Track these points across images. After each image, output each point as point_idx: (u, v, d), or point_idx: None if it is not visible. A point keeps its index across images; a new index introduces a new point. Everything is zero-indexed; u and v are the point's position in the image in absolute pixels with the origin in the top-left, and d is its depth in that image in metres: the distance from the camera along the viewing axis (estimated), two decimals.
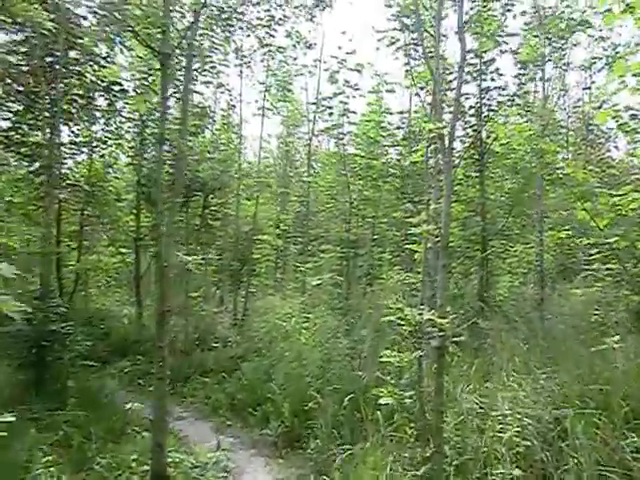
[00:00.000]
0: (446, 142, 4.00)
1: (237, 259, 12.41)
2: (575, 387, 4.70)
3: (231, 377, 8.02)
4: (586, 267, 9.25)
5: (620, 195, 4.89)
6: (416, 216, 4.55)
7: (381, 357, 4.45)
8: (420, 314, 3.86)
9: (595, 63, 12.68)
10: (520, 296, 9.22)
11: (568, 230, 5.73)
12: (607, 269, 7.89)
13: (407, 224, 7.76)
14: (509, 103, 8.39)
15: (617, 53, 12.66)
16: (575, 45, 11.41)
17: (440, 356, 3.84)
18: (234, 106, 11.53)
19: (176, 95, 7.10)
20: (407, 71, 8.45)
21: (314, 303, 12.06)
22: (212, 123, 11.46)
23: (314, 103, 10.64)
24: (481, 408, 4.35)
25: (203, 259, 9.64)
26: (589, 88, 13.25)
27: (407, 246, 6.01)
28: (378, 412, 4.74)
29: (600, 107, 13.77)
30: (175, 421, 6.50)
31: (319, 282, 11.30)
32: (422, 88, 6.51)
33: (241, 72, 11.31)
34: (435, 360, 3.91)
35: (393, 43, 8.47)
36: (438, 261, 4.38)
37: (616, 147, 13.63)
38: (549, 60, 8.52)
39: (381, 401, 4.08)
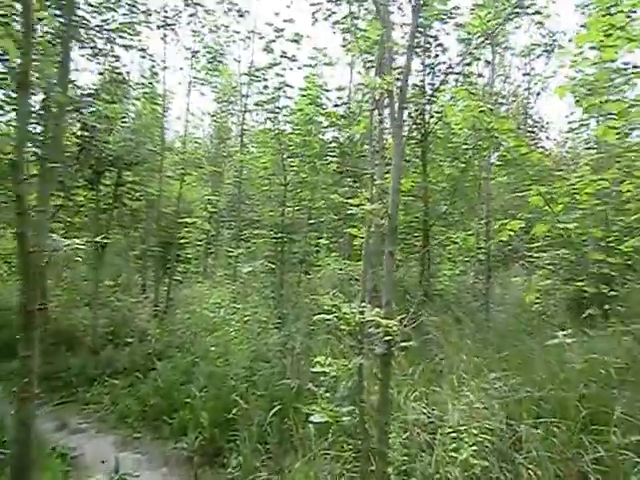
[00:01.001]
0: (396, 103, 3.30)
1: (161, 244, 11.26)
2: (529, 390, 4.22)
3: (146, 378, 7.02)
4: (528, 254, 9.01)
5: (579, 177, 4.41)
6: (358, 195, 3.82)
7: (314, 359, 3.73)
8: (362, 313, 3.15)
9: (534, 49, 12.57)
10: (462, 285, 8.84)
11: (520, 218, 5.26)
12: (559, 256, 7.60)
13: (346, 206, 7.11)
14: (453, 82, 7.86)
15: (555, 41, 12.61)
16: (517, 28, 11.12)
17: (385, 364, 3.17)
18: (156, 73, 10.27)
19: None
20: (348, 39, 7.71)
21: (246, 292, 11.20)
22: (129, 91, 10.14)
23: (247, 74, 9.62)
24: (430, 420, 3.74)
25: (102, 243, 8.44)
26: (528, 74, 13.14)
27: (347, 230, 5.29)
28: (310, 425, 4.02)
29: (539, 94, 13.76)
30: (70, 435, 5.48)
31: (251, 269, 10.45)
32: (368, 52, 5.78)
33: (165, 35, 10.08)
34: (379, 368, 3.23)
35: (330, 16, 7.77)
36: (383, 247, 3.72)
37: (548, 137, 13.65)
38: (495, 35, 8.03)
39: (313, 419, 3.36)
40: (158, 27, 9.84)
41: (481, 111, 5.78)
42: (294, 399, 4.87)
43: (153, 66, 10.24)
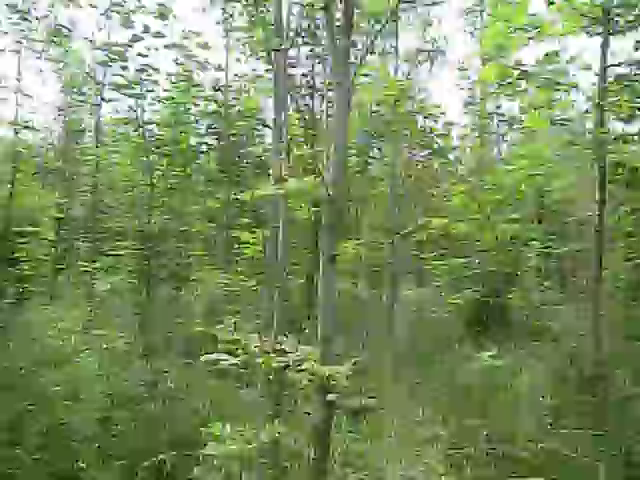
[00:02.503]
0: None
1: None
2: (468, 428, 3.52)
3: None
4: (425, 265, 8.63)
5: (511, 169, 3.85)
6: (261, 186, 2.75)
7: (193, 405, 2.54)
8: (281, 352, 2.09)
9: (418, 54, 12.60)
10: (356, 301, 8.12)
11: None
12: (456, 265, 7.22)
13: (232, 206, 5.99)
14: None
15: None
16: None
17: (321, 438, 2.12)
18: None
19: None
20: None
21: (104, 314, 9.39)
22: None
23: (100, 48, 7.95)
24: None
25: None
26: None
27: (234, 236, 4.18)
28: None
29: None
30: None
31: (109, 287, 8.72)
32: None
33: None
34: (312, 442, 2.16)
35: None
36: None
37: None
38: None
39: None
40: None
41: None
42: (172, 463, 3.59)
43: None
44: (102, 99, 10.82)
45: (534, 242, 5.35)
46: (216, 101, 7.87)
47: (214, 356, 2.27)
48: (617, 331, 5.57)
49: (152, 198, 8.67)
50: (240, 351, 2.22)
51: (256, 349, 2.16)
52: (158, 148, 8.82)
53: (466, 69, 12.50)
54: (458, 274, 7.86)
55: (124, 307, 9.22)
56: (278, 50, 3.83)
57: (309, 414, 2.28)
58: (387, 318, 6.95)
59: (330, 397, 2.06)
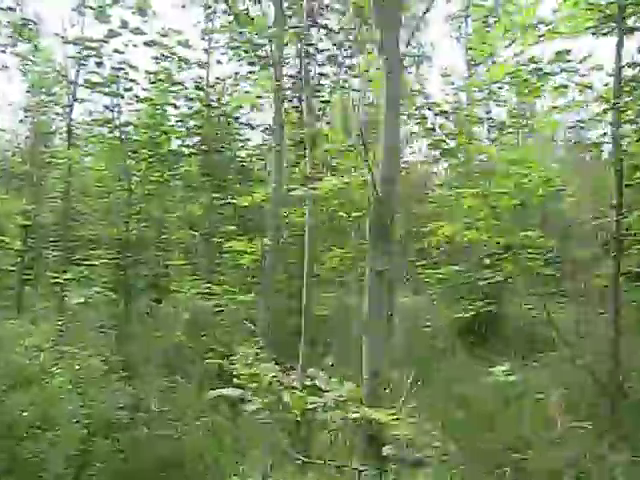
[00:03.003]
0: None
1: None
2: None
3: None
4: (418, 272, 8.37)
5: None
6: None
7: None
8: (314, 389, 1.68)
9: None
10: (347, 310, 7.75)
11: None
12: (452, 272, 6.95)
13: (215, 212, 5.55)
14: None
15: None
16: None
17: None
18: None
19: None
20: None
21: (77, 329, 8.76)
22: None
23: (72, 42, 7.37)
24: None
25: None
26: None
27: (230, 245, 3.74)
28: None
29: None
30: None
31: (83, 300, 8.11)
32: None
33: None
34: None
35: None
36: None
37: None
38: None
39: None
40: None
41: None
42: None
43: None
44: (74, 99, 10.22)
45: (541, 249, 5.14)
46: (200, 100, 7.41)
47: (227, 392, 1.83)
48: (632, 334, 5.38)
49: (129, 204, 8.15)
50: (256, 384, 1.80)
51: (280, 385, 1.74)
52: (135, 152, 8.30)
53: (449, 75, 12.34)
54: (454, 282, 7.58)
55: (99, 321, 8.63)
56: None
57: (358, 471, 1.85)
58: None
59: (387, 450, 1.65)
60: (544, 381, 4.71)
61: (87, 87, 7.30)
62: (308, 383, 1.78)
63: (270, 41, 6.64)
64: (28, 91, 13.00)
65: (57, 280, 10.25)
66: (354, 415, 1.62)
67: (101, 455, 4.07)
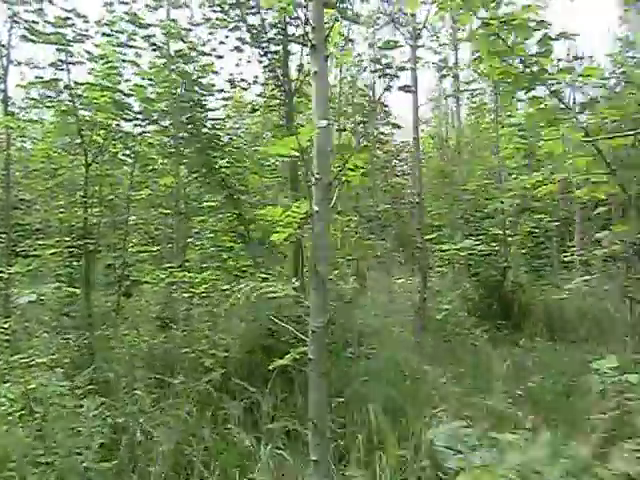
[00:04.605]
0: None
1: None
2: None
3: None
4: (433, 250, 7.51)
5: None
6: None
7: None
8: None
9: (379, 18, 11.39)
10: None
11: None
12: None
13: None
14: None
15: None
16: None
17: None
18: None
19: None
20: None
21: (29, 333, 7.37)
22: None
23: None
24: None
25: None
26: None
27: (262, 212, 2.61)
28: None
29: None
30: None
31: (34, 298, 6.72)
32: None
33: None
34: None
35: None
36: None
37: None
38: None
39: None
40: None
41: None
42: None
43: None
44: (9, 61, 8.59)
45: None
46: (182, 52, 6.04)
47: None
48: None
49: (87, 181, 6.78)
50: None
51: None
52: (89, 120, 6.89)
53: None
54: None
55: (54, 322, 7.27)
56: None
57: None
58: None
59: None
60: None
61: (30, 40, 5.81)
62: None
63: None
64: None
65: (1, 275, 8.74)
66: None
67: None
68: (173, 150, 6.67)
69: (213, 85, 6.37)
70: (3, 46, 8.75)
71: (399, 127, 11.57)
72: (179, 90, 6.21)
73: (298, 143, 2.08)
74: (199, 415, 3.55)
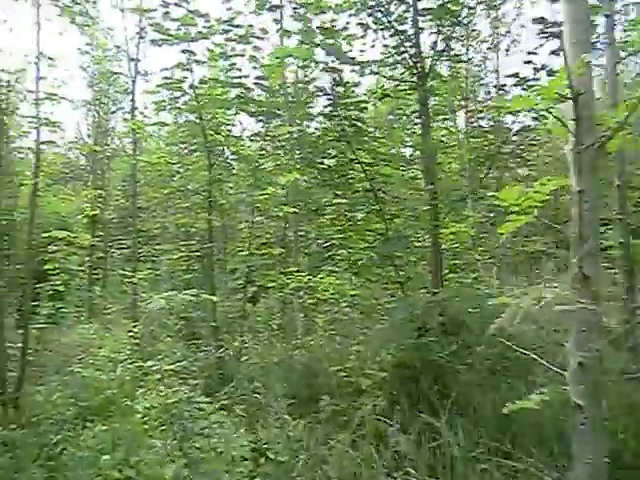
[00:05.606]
0: None
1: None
2: None
3: None
4: None
5: None
6: None
7: None
8: None
9: None
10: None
11: None
12: None
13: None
14: None
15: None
16: None
17: None
18: None
19: None
20: None
21: (154, 337, 7.31)
22: None
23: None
24: None
25: None
26: None
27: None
28: None
29: None
30: None
31: (163, 305, 6.58)
32: None
33: None
34: None
35: None
36: None
37: None
38: None
39: None
40: None
41: None
42: None
43: None
44: (137, 72, 8.78)
45: None
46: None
47: None
48: None
49: (210, 184, 6.50)
50: None
51: None
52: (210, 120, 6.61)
53: None
54: None
55: (178, 329, 7.13)
56: None
57: None
58: None
59: None
60: None
61: (157, 43, 5.63)
62: None
63: None
64: (90, 85, 12.00)
65: (127, 280, 8.84)
66: None
67: None
68: (297, 147, 6.22)
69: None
70: (132, 60, 9.03)
71: None
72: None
73: (569, 83, 1.38)
74: (373, 450, 2.81)
